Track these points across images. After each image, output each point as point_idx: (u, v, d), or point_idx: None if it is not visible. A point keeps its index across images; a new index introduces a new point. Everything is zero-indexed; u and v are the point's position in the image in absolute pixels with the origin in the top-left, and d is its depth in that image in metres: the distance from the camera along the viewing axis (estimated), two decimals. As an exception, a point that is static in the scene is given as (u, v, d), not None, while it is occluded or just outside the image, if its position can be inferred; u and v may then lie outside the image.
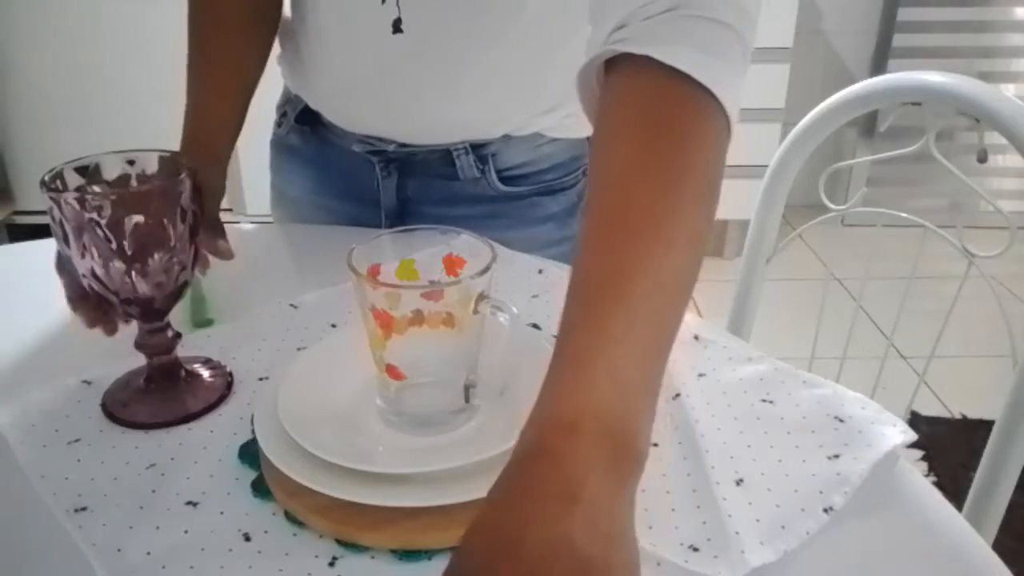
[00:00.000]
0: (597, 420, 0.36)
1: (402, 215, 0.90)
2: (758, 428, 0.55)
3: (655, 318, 0.39)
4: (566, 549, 0.32)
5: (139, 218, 0.52)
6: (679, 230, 0.40)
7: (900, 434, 0.53)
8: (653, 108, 0.44)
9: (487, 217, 0.87)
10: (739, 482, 0.50)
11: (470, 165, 0.85)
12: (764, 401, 0.58)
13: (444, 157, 0.85)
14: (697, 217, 0.41)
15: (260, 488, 0.50)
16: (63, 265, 0.63)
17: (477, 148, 0.84)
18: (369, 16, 0.75)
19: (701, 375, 0.61)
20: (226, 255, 0.73)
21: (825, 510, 0.48)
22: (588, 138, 0.90)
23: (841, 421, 0.55)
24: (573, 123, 0.88)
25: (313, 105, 0.88)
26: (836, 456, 0.52)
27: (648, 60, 0.43)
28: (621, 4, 0.47)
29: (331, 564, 0.45)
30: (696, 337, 0.65)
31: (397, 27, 0.75)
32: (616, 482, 0.35)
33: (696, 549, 0.45)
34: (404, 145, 0.85)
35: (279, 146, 0.96)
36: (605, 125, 0.45)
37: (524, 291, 0.73)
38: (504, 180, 0.87)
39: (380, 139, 0.85)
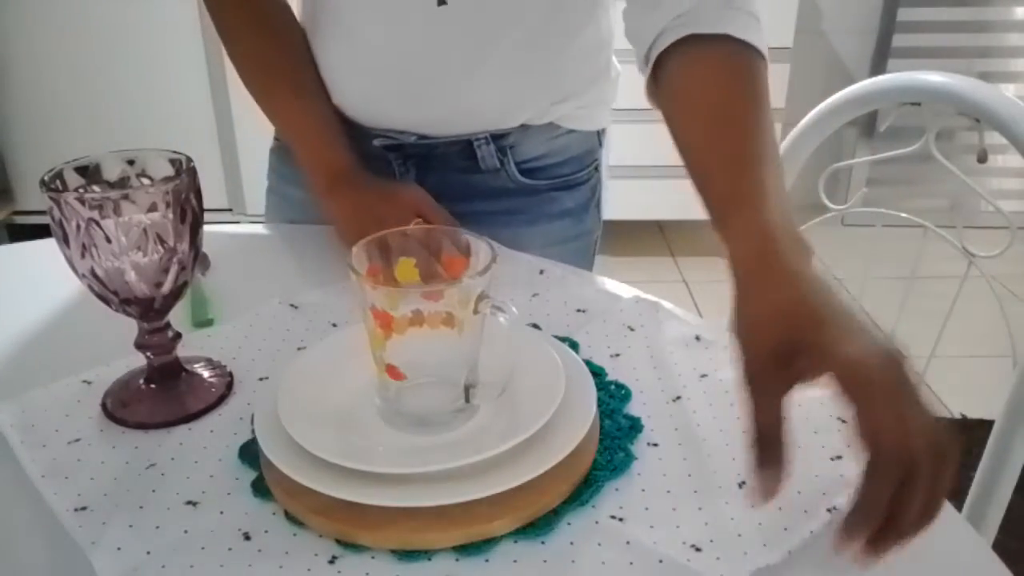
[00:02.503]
0: (780, 236, 0.52)
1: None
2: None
3: (775, 163, 0.59)
4: (820, 291, 0.48)
5: (139, 218, 0.52)
6: (771, 131, 0.61)
7: None
8: (740, 65, 0.65)
9: (504, 213, 0.88)
10: (741, 484, 0.50)
11: (491, 155, 0.85)
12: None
13: (464, 149, 0.85)
14: (770, 115, 0.62)
15: (260, 488, 0.50)
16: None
17: (497, 139, 0.85)
18: None
19: (703, 376, 0.61)
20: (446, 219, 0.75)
21: (828, 510, 0.48)
22: (599, 132, 0.92)
23: (843, 421, 0.55)
24: (585, 115, 0.89)
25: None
26: (838, 457, 0.52)
27: (724, 36, 0.65)
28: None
29: (331, 562, 0.45)
30: (697, 338, 0.65)
31: None
32: (806, 263, 0.51)
33: (699, 549, 0.45)
34: (424, 137, 0.85)
35: (283, 153, 0.95)
36: (705, 76, 0.66)
37: (524, 291, 0.73)
38: (523, 172, 0.87)
39: (401, 132, 0.85)
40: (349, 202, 0.78)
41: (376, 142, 0.86)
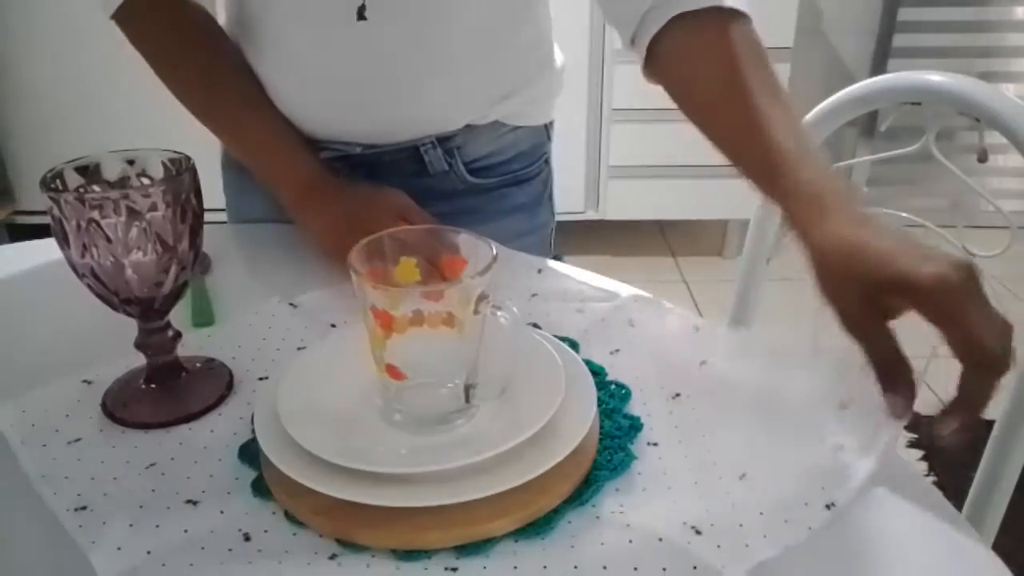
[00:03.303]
0: (833, 184, 0.56)
1: None
2: (760, 420, 0.55)
3: (805, 132, 0.62)
4: (889, 234, 0.52)
5: (139, 218, 0.52)
6: (779, 86, 0.65)
7: (893, 425, 0.53)
8: (733, 32, 0.67)
9: (457, 213, 0.87)
10: (742, 476, 0.50)
11: (439, 158, 0.85)
12: (766, 391, 0.57)
13: (412, 155, 0.85)
14: (776, 76, 0.66)
15: (260, 488, 0.50)
16: None
17: (443, 141, 0.85)
18: (332, 6, 0.75)
19: (703, 363, 0.61)
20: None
21: (827, 506, 0.48)
22: (546, 125, 0.93)
23: (844, 408, 0.55)
24: (531, 110, 0.90)
25: None
26: (840, 447, 0.52)
27: (711, 8, 0.67)
28: None
29: (331, 559, 0.45)
30: (696, 329, 0.65)
31: (361, 14, 0.75)
32: (862, 205, 0.55)
33: (699, 532, 0.46)
34: (370, 146, 0.85)
35: (232, 166, 0.93)
36: (705, 48, 0.68)
37: (523, 290, 0.73)
38: (472, 172, 0.88)
39: (346, 143, 0.85)
40: (329, 213, 0.76)
41: (322, 154, 0.85)
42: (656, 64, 0.72)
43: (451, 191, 0.87)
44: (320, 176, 0.80)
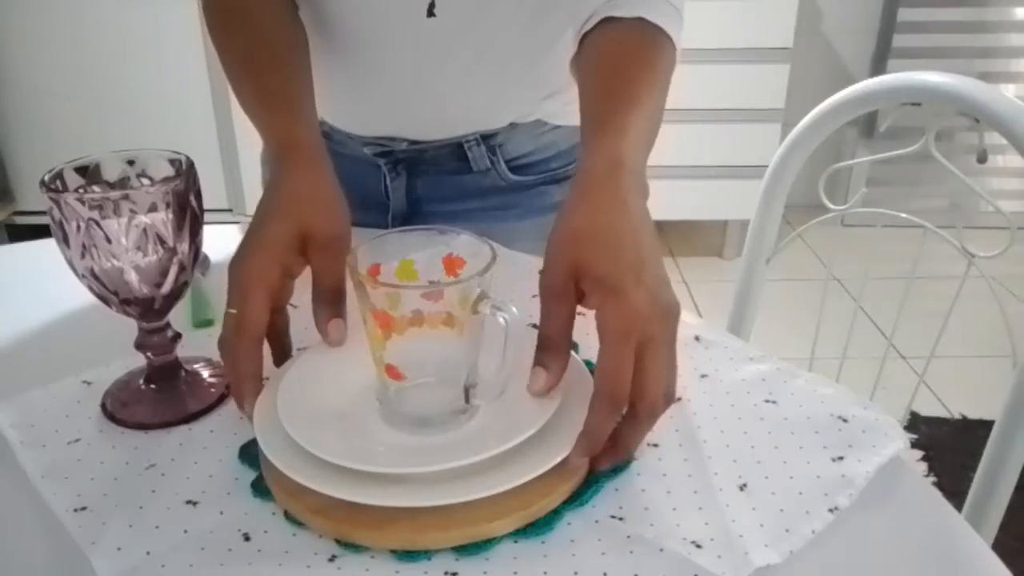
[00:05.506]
0: (630, 164, 0.56)
1: (411, 216, 0.90)
2: (761, 429, 0.55)
3: (650, 119, 0.62)
4: (640, 228, 0.52)
5: (139, 218, 0.52)
6: (658, 88, 0.66)
7: (899, 439, 0.53)
8: (645, 39, 0.69)
9: (497, 208, 0.89)
10: (742, 487, 0.50)
11: (482, 156, 0.86)
12: (767, 401, 0.58)
13: (455, 151, 0.86)
14: (663, 89, 0.67)
15: (260, 488, 0.50)
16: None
17: (486, 139, 0.86)
18: (401, 4, 0.76)
19: (703, 376, 0.61)
20: (334, 340, 0.56)
21: (830, 510, 0.48)
22: None
23: (845, 421, 0.55)
24: (572, 110, 0.90)
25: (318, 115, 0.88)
26: (840, 458, 0.52)
27: (638, 18, 0.68)
28: None
29: (331, 560, 0.45)
30: (697, 338, 0.65)
31: (431, 11, 0.75)
32: (641, 198, 0.55)
33: (699, 546, 0.46)
34: (415, 142, 0.85)
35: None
36: (611, 41, 0.69)
37: (524, 291, 0.73)
38: (513, 170, 0.89)
39: (391, 139, 0.85)
40: (263, 201, 0.60)
41: (366, 150, 0.86)
42: (577, 56, 0.73)
43: (491, 188, 0.89)
44: (319, 144, 0.65)
